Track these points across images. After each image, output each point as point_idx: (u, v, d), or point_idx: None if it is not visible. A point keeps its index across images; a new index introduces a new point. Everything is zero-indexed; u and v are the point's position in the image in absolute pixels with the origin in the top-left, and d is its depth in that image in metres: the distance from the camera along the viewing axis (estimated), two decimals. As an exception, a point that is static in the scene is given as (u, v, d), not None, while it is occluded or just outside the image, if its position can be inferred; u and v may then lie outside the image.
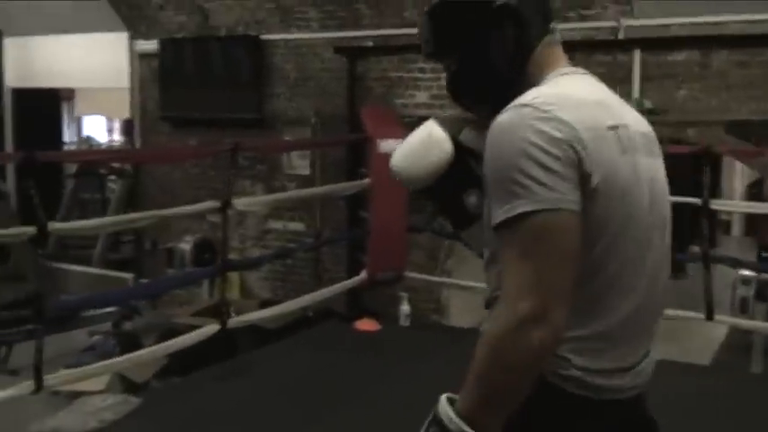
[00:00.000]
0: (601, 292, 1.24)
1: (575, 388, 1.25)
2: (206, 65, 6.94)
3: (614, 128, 1.24)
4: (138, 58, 7.43)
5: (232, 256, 6.61)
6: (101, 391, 4.25)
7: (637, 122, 1.35)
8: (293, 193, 6.54)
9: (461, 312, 6.13)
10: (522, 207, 1.14)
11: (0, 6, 7.98)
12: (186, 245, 6.79)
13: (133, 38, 7.42)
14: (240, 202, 4.70)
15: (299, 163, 6.72)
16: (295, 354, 4.98)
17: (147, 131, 7.50)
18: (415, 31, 6.10)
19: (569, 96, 1.25)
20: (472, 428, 1.15)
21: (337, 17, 6.44)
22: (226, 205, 4.45)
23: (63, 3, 7.48)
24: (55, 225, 3.72)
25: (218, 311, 4.52)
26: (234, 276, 6.81)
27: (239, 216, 6.74)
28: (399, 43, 5.97)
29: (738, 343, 5.38)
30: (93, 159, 7.75)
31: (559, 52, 1.40)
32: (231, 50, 6.86)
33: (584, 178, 1.17)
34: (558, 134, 1.17)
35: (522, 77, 1.34)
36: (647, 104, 5.33)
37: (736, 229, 10.70)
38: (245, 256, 6.85)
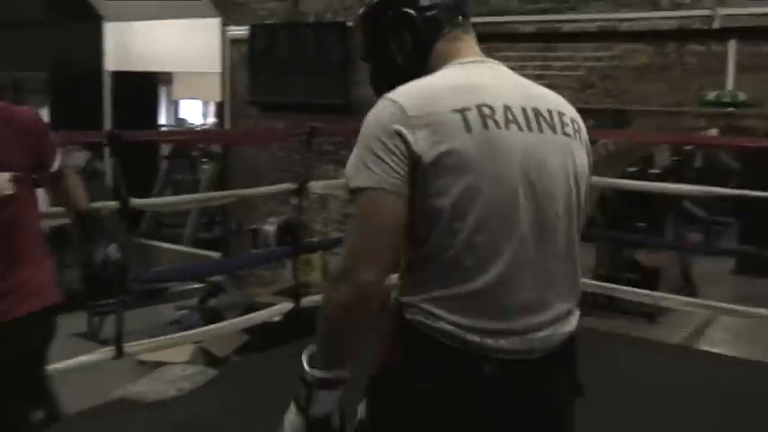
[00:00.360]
0: (459, 255, 1.37)
1: (447, 340, 1.38)
2: (294, 51, 7.06)
3: (463, 110, 1.37)
4: (230, 44, 7.64)
5: (315, 238, 6.75)
6: (184, 363, 4.42)
7: (527, 100, 1.45)
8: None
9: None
10: (352, 183, 1.37)
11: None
12: (270, 226, 6.96)
13: (225, 24, 7.63)
14: (316, 185, 4.79)
15: (383, 149, 6.76)
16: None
17: (236, 115, 7.70)
18: (501, 18, 6.06)
19: (424, 86, 1.42)
20: (319, 371, 1.41)
21: (423, 4, 6.44)
22: (302, 187, 4.56)
23: (161, -10, 7.76)
24: (136, 201, 3.88)
25: (296, 292, 4.63)
26: (316, 259, 6.93)
27: (322, 200, 6.85)
28: (484, 31, 5.90)
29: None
30: (173, 140, 8.00)
31: (462, 45, 1.57)
32: (319, 37, 6.96)
33: (413, 159, 1.34)
34: (390, 123, 1.35)
35: (423, 71, 1.50)
36: (741, 96, 5.14)
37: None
38: (327, 238, 6.96)
